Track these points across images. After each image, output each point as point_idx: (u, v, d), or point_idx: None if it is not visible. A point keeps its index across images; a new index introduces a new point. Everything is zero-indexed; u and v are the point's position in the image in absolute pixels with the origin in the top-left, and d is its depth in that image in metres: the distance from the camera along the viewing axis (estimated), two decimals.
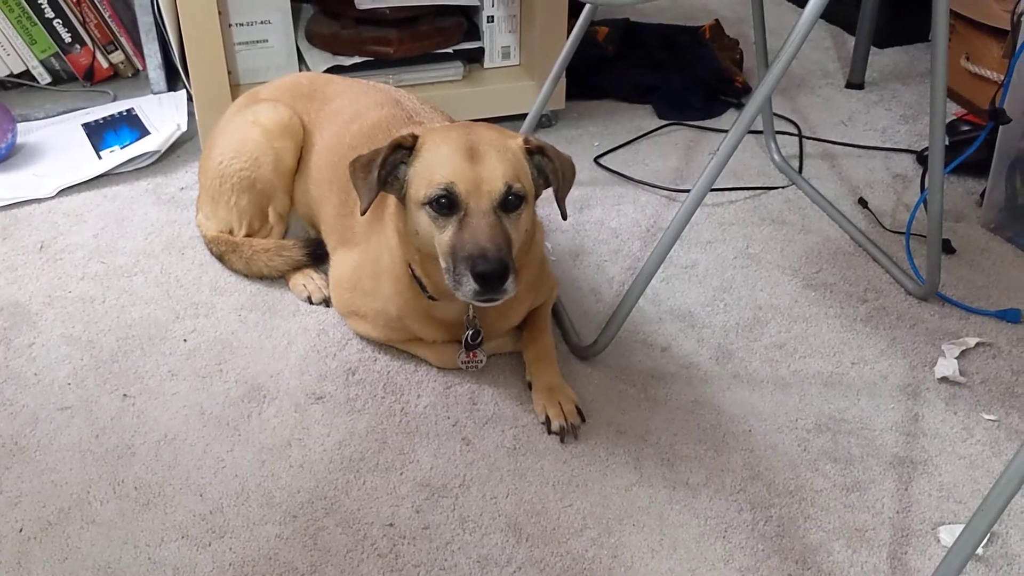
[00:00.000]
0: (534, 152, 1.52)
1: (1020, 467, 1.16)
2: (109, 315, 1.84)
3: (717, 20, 2.88)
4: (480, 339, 1.66)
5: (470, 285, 1.40)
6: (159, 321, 1.82)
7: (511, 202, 1.45)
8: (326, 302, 1.86)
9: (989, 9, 2.48)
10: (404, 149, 1.50)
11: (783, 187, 2.28)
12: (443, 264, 1.46)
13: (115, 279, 1.93)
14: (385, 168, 1.49)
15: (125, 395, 1.65)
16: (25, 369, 1.71)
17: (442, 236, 1.45)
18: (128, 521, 1.43)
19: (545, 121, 2.50)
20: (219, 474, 1.51)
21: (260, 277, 1.93)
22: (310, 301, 1.87)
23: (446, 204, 1.43)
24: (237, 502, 1.46)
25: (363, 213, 1.53)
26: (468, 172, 1.44)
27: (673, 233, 1.61)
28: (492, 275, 1.39)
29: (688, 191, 1.61)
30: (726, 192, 2.25)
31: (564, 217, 1.57)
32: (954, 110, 2.50)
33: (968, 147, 2.04)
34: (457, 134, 1.49)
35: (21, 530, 1.41)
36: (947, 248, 2.03)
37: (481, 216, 1.42)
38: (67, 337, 1.78)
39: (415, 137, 1.51)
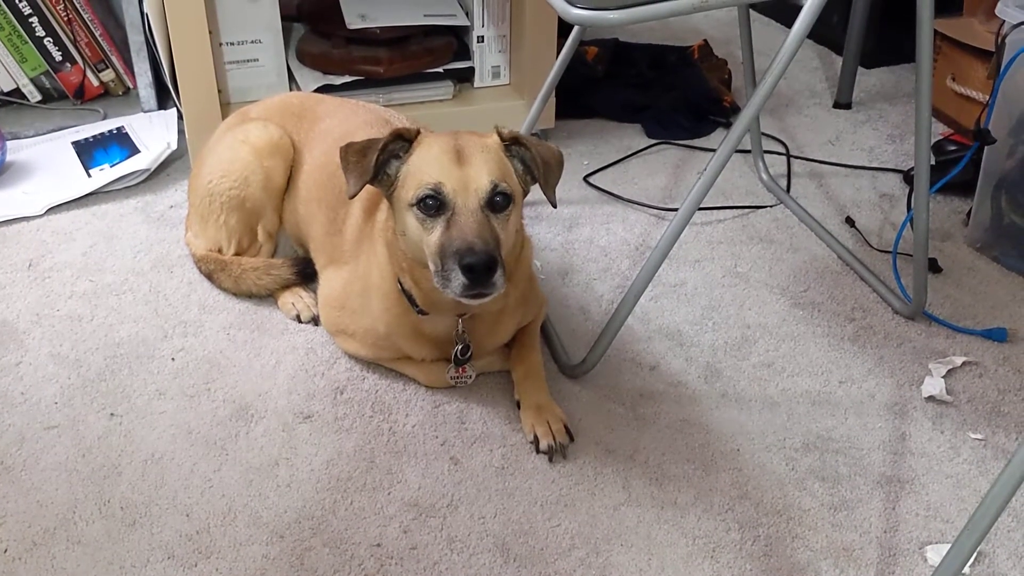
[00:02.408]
0: (511, 144, 1.52)
1: (1006, 486, 1.17)
2: (97, 334, 1.83)
3: (705, 40, 2.91)
4: (469, 354, 1.66)
5: (459, 279, 1.40)
6: (147, 340, 1.82)
7: (498, 203, 1.46)
8: (315, 321, 1.86)
9: (974, 30, 2.51)
10: (404, 141, 1.51)
11: (771, 206, 2.30)
12: (432, 266, 1.45)
13: (103, 297, 1.93)
14: (384, 154, 1.49)
15: (112, 414, 1.65)
16: (12, 388, 1.70)
17: (430, 237, 1.45)
18: (114, 541, 1.42)
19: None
20: (206, 494, 1.50)
21: (249, 296, 1.92)
22: (299, 320, 1.87)
23: (434, 205, 1.44)
24: (224, 522, 1.46)
25: (351, 197, 1.52)
26: (456, 172, 1.45)
27: (661, 252, 1.61)
28: (480, 267, 1.38)
29: (677, 210, 1.62)
30: (714, 211, 2.26)
31: (553, 205, 1.56)
32: (940, 130, 2.53)
33: (954, 167, 2.06)
34: (447, 138, 1.51)
35: (6, 550, 1.40)
36: (934, 267, 2.04)
37: (468, 214, 1.43)
38: (55, 356, 1.77)
39: (418, 132, 1.52)
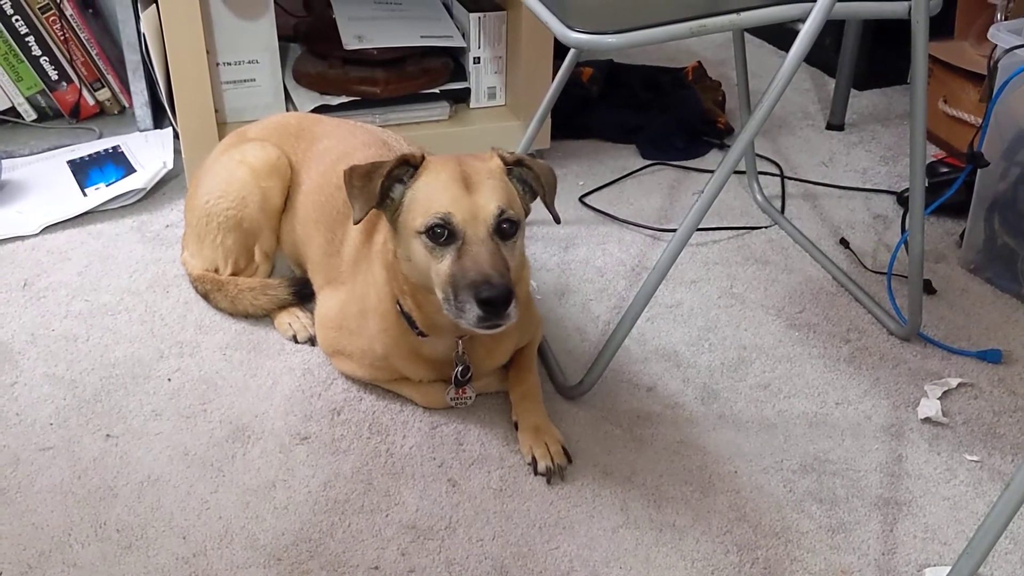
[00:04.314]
0: (513, 166, 1.53)
1: (1004, 509, 1.17)
2: (92, 354, 1.82)
3: (699, 62, 2.92)
4: (470, 375, 1.66)
5: (474, 312, 1.40)
6: (143, 360, 1.81)
7: (506, 230, 1.46)
8: (311, 341, 1.86)
9: (966, 54, 2.53)
10: (409, 167, 1.50)
11: (766, 227, 2.31)
12: (441, 294, 1.45)
13: (99, 317, 1.92)
14: (389, 179, 1.48)
15: (108, 435, 1.64)
16: (7, 409, 1.69)
17: (439, 266, 1.45)
18: (110, 564, 1.41)
19: None
20: (202, 516, 1.50)
21: (245, 316, 1.92)
22: (295, 340, 1.87)
23: (442, 234, 1.44)
24: (220, 544, 1.45)
25: (356, 223, 1.51)
26: (465, 201, 1.44)
27: (659, 273, 1.62)
28: (497, 300, 1.39)
29: (672, 230, 1.63)
30: (710, 232, 2.26)
31: (557, 220, 1.57)
32: (932, 152, 2.54)
33: (947, 189, 2.08)
34: (452, 164, 1.50)
35: (0, 573, 1.39)
36: (928, 289, 2.05)
37: (479, 243, 1.43)
38: (50, 376, 1.77)
39: (423, 158, 1.51)
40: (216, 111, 2.31)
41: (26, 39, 2.57)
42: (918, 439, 1.69)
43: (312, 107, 2.36)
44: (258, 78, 2.39)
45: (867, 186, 2.50)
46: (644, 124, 2.66)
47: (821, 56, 3.01)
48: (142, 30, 2.42)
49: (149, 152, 2.47)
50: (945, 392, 1.78)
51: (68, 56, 2.61)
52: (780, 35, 2.86)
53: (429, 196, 1.47)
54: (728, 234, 2.28)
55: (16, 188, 2.34)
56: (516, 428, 1.66)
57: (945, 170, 2.34)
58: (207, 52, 2.22)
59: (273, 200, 1.88)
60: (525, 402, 1.68)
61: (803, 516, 1.53)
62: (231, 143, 1.97)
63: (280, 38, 2.40)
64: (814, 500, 1.56)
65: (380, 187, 1.47)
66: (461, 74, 2.52)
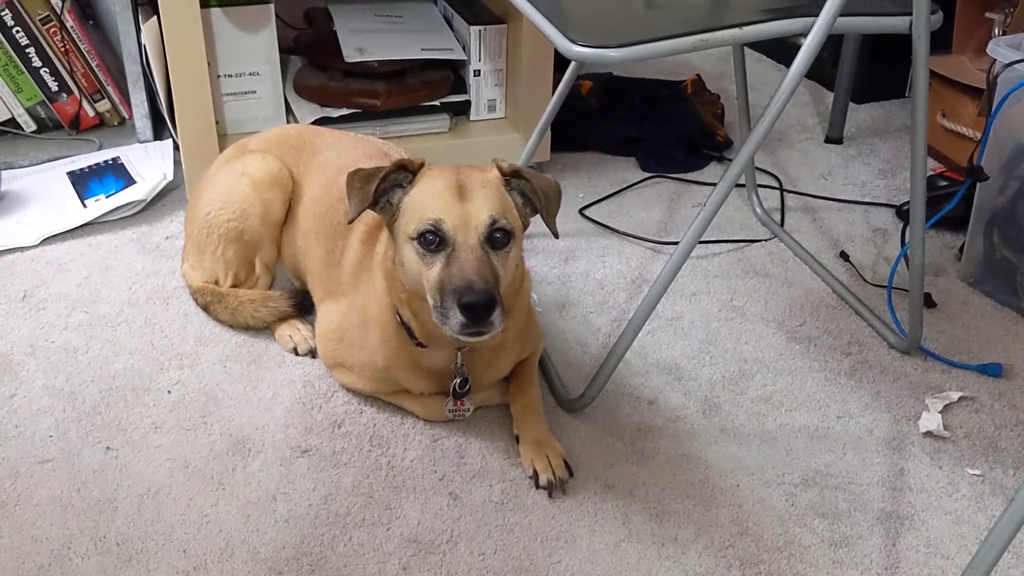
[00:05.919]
0: (511, 177, 1.53)
1: (1008, 524, 1.17)
2: (92, 366, 1.82)
3: (698, 75, 2.94)
4: (468, 387, 1.65)
5: (457, 318, 1.40)
6: (143, 372, 1.81)
7: (498, 239, 1.46)
8: (312, 353, 1.85)
9: (964, 68, 2.55)
10: (407, 172, 1.51)
11: (765, 240, 2.31)
12: (430, 300, 1.46)
13: (99, 329, 1.92)
14: (385, 183, 1.49)
15: (108, 448, 1.63)
16: (6, 421, 1.68)
17: (430, 272, 1.45)
18: None
19: None
20: (203, 529, 1.49)
21: (246, 328, 1.92)
22: (296, 352, 1.87)
23: (433, 240, 1.44)
24: (221, 558, 1.44)
25: (349, 222, 1.54)
26: (457, 209, 1.45)
27: (660, 287, 1.62)
28: (479, 306, 1.39)
29: (672, 243, 1.64)
30: (709, 244, 2.26)
31: (555, 235, 1.57)
32: (931, 165, 2.55)
33: (946, 202, 2.08)
34: (449, 173, 1.51)
35: None
36: (928, 302, 2.05)
37: (468, 251, 1.43)
38: (49, 388, 1.76)
39: (422, 165, 1.52)
40: (217, 123, 2.31)
41: (26, 50, 2.57)
42: (919, 453, 1.69)
43: (313, 119, 2.37)
44: (259, 90, 2.40)
45: (866, 199, 2.51)
46: (644, 137, 2.67)
47: (819, 70, 3.02)
48: (143, 42, 2.43)
49: (149, 164, 2.47)
50: (946, 406, 1.78)
51: (68, 67, 2.61)
52: (779, 49, 2.88)
53: (423, 203, 1.47)
54: (728, 247, 2.28)
55: (16, 199, 2.34)
56: (517, 441, 1.66)
57: (944, 183, 2.35)
58: (208, 64, 2.22)
59: (274, 212, 1.88)
60: (526, 415, 1.68)
61: (805, 530, 1.53)
62: (232, 155, 1.97)
63: (281, 50, 2.41)
64: (816, 514, 1.56)
65: (376, 189, 1.48)
66: (461, 87, 2.52)
